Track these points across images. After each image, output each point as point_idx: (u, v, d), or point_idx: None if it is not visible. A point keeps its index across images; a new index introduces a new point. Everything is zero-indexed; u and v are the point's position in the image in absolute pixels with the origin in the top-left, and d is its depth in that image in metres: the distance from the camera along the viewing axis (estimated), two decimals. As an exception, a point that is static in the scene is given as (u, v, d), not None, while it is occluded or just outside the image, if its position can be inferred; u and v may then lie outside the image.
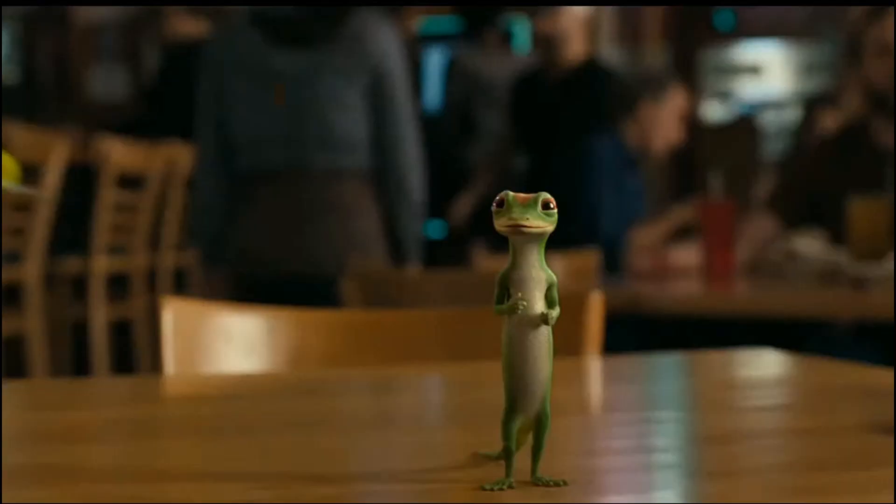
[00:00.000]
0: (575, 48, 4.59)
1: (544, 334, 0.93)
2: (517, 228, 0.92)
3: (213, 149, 3.34)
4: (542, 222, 0.92)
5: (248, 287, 3.29)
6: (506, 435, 0.94)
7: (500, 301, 0.94)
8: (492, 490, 0.93)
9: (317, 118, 3.27)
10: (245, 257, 3.33)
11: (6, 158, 1.08)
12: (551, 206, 0.92)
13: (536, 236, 0.93)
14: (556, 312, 0.93)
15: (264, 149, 3.28)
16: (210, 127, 3.33)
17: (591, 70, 4.64)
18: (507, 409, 0.95)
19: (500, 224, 0.92)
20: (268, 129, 3.27)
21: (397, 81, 3.35)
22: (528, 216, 0.91)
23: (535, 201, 0.92)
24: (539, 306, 0.93)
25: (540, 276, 0.93)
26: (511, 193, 0.92)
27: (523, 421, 0.95)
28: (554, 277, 0.94)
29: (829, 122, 5.59)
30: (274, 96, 3.20)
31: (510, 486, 0.93)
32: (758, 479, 1.02)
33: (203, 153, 3.40)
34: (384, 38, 3.34)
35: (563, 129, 4.50)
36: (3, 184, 1.08)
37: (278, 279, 3.29)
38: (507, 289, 0.93)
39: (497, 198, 0.92)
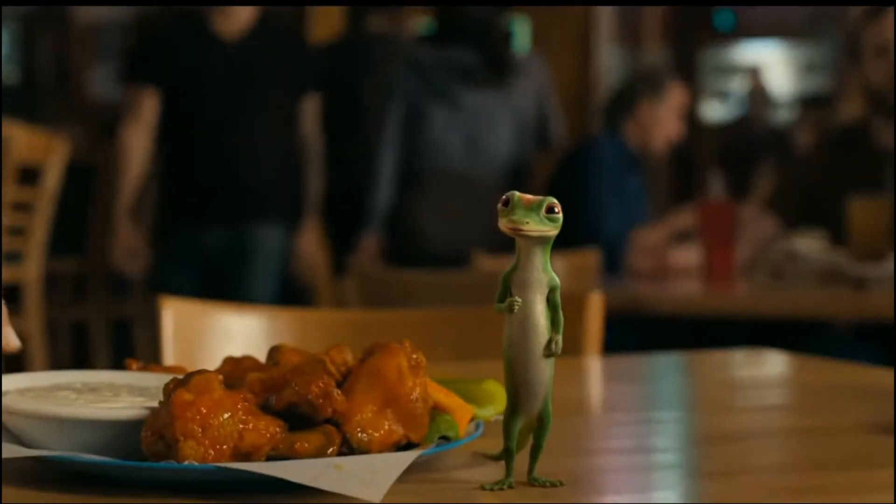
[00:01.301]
0: None
1: (544, 336, 0.93)
2: (517, 231, 0.91)
3: (397, 148, 4.19)
4: (544, 227, 0.91)
5: (412, 259, 4.03)
6: (507, 435, 0.94)
7: (501, 300, 0.94)
8: (491, 490, 0.93)
9: (492, 140, 4.23)
10: (419, 236, 4.17)
11: (496, 386, 1.09)
12: (556, 210, 0.92)
13: (538, 239, 0.92)
14: (559, 338, 0.93)
15: (449, 158, 4.20)
16: (401, 134, 4.19)
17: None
18: (508, 409, 0.95)
19: (502, 224, 0.92)
20: (454, 146, 4.20)
21: (552, 106, 4.54)
22: (529, 220, 0.91)
23: (540, 205, 0.91)
24: (539, 309, 0.93)
25: (541, 279, 0.93)
26: (517, 194, 0.92)
27: (525, 421, 0.95)
28: (557, 281, 0.93)
29: (828, 122, 5.60)
30: (463, 122, 4.21)
31: (510, 486, 0.93)
32: (758, 479, 1.02)
33: (389, 148, 4.21)
34: (541, 73, 4.53)
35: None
36: (485, 414, 1.10)
37: (441, 255, 3.99)
38: (508, 288, 0.93)
39: (504, 196, 0.92)
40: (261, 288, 4.14)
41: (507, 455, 0.94)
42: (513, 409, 0.94)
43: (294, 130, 4.30)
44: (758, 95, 9.05)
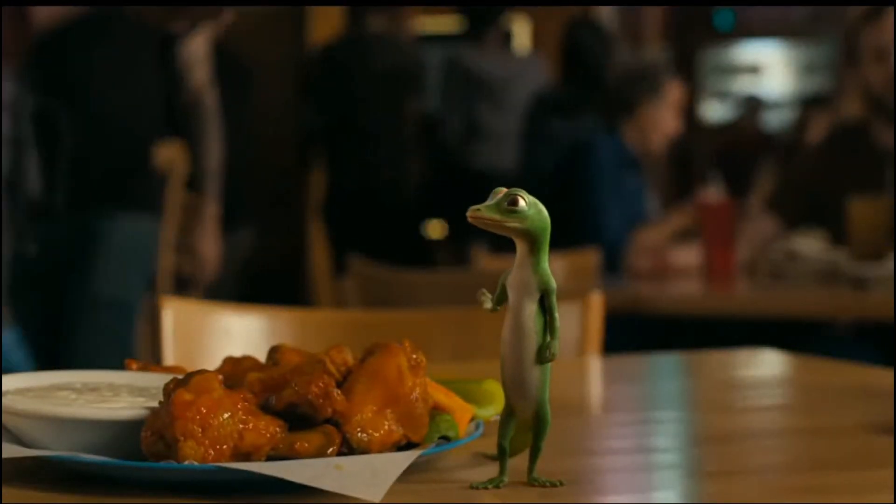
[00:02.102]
0: None
1: (533, 339, 0.92)
2: (470, 217, 0.91)
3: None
4: (496, 216, 0.90)
5: None
6: (500, 433, 0.94)
7: (499, 302, 0.94)
8: (477, 489, 0.93)
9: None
10: None
11: (496, 386, 1.09)
12: (518, 203, 0.90)
13: (530, 239, 0.91)
14: (555, 344, 0.92)
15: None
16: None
17: None
18: (505, 409, 0.95)
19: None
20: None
21: None
22: (480, 208, 0.91)
23: (505, 196, 0.91)
24: (528, 311, 0.92)
25: (531, 281, 0.92)
26: (502, 189, 0.92)
27: (521, 422, 0.95)
28: (552, 284, 0.92)
29: (827, 122, 5.59)
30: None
31: (498, 485, 0.93)
32: (758, 479, 1.02)
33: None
34: (541, 76, 5.20)
35: None
36: (485, 414, 1.10)
37: None
38: (504, 290, 0.94)
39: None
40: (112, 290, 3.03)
41: (499, 453, 0.94)
42: (508, 409, 0.95)
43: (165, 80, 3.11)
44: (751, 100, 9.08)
